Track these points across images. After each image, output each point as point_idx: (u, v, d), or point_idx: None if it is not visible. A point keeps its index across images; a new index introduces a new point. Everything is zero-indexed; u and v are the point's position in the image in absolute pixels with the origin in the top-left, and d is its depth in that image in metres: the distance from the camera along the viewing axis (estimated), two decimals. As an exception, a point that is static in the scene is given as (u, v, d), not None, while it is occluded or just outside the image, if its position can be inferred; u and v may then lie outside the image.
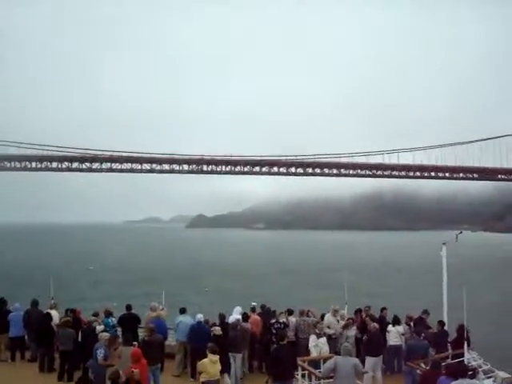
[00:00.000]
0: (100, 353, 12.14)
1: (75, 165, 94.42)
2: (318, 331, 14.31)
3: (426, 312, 16.13)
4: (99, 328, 13.51)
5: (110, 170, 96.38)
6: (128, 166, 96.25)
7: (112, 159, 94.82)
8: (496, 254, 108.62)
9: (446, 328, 14.95)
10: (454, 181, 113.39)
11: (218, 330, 14.00)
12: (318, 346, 13.90)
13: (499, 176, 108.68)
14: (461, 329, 13.92)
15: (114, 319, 15.91)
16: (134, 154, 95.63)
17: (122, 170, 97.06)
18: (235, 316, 15.82)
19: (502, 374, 12.25)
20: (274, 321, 15.27)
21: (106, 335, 12.94)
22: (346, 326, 15.21)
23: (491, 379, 12.39)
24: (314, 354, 13.82)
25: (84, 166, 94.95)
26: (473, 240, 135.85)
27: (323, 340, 14.10)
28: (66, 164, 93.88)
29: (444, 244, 15.80)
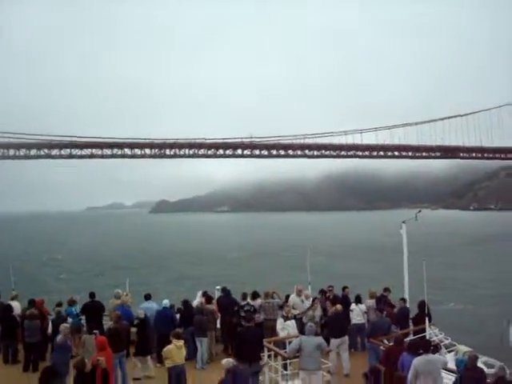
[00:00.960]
0: (59, 337, 12.15)
1: (33, 152, 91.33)
2: (285, 314, 14.35)
3: (387, 289, 16.37)
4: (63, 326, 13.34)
5: (70, 156, 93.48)
6: (88, 151, 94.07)
7: (72, 145, 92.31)
8: (452, 231, 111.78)
9: (407, 305, 15.30)
10: (416, 160, 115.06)
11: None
12: (285, 328, 13.94)
13: (461, 154, 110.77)
14: (422, 305, 14.26)
15: (77, 308, 15.75)
16: (94, 139, 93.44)
17: (81, 156, 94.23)
18: (199, 300, 15.85)
19: (463, 348, 12.62)
20: (244, 303, 15.34)
21: (65, 326, 12.77)
22: (311, 307, 15.42)
23: (453, 353, 12.77)
24: (281, 335, 13.94)
25: (42, 153, 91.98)
26: (432, 218, 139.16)
27: (291, 323, 14.10)
28: (23, 151, 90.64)
29: (404, 222, 16.11)
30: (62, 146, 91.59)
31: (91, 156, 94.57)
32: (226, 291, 16.39)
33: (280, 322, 14.12)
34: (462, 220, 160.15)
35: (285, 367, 12.14)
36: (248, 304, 15.19)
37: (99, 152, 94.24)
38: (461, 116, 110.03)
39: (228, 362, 9.95)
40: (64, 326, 12.64)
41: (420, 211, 17.18)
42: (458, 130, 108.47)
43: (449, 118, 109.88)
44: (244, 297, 15.69)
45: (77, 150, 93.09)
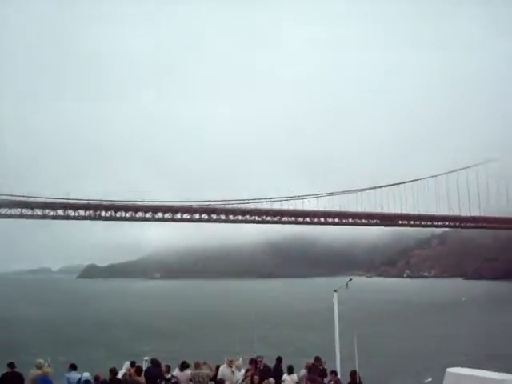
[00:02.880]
0: None
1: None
2: None
3: (318, 359, 16.37)
4: None
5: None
6: (18, 211, 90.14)
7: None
8: (387, 299, 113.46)
9: (339, 376, 15.23)
10: (355, 226, 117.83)
11: None
12: None
13: (399, 221, 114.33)
14: (353, 374, 14.27)
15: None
16: (25, 199, 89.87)
17: (10, 216, 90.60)
18: (125, 371, 15.38)
19: None
20: (168, 376, 15.02)
21: None
22: (244, 379, 15.21)
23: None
24: None
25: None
26: (366, 286, 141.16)
27: None
28: None
29: (335, 291, 16.27)
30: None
31: (21, 216, 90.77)
32: (154, 362, 15.91)
33: None
34: (396, 288, 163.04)
35: None
36: (173, 376, 14.93)
37: (29, 212, 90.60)
38: (400, 184, 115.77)
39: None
40: None
41: (351, 279, 17.43)
42: (397, 197, 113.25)
43: (388, 185, 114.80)
44: (168, 369, 15.31)
45: (5, 210, 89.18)
